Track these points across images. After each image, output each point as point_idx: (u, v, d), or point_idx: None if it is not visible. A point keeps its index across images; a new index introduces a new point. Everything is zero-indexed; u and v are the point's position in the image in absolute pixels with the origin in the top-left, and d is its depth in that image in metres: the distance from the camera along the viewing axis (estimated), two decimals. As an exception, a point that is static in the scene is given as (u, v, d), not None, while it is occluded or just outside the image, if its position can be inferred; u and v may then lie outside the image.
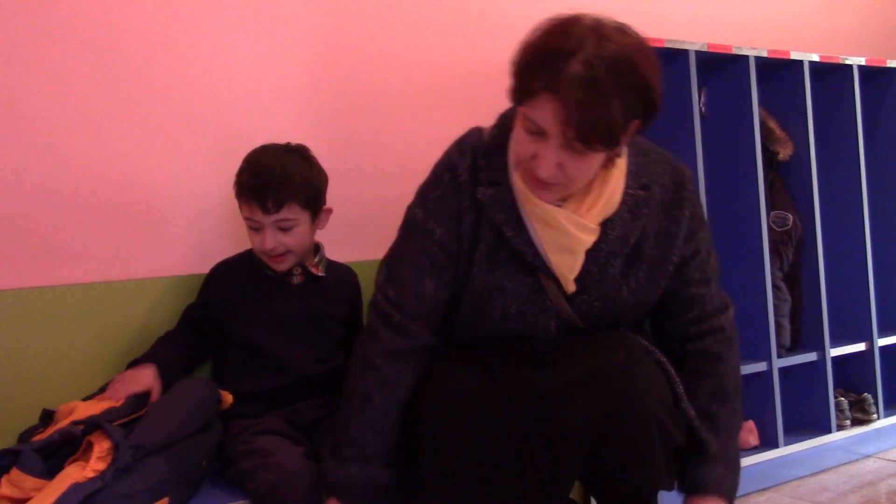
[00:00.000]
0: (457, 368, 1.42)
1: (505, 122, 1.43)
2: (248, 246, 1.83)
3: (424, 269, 1.44)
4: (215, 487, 1.55)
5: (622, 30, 1.29)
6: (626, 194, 1.42)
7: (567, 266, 1.40)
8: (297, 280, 1.82)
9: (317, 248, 1.86)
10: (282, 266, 1.77)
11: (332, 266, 1.88)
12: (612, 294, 1.44)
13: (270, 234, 1.72)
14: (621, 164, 1.41)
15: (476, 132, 1.48)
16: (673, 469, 1.40)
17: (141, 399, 1.58)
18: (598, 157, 1.31)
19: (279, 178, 1.70)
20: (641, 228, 1.43)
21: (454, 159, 1.45)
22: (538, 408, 1.34)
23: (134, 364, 1.66)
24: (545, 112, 1.25)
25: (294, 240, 1.75)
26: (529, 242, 1.40)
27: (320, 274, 1.83)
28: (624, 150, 1.41)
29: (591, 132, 1.23)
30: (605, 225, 1.41)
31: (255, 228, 1.74)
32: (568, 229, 1.37)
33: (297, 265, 1.81)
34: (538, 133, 1.28)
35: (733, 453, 1.48)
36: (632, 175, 1.43)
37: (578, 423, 1.31)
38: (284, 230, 1.73)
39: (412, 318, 1.44)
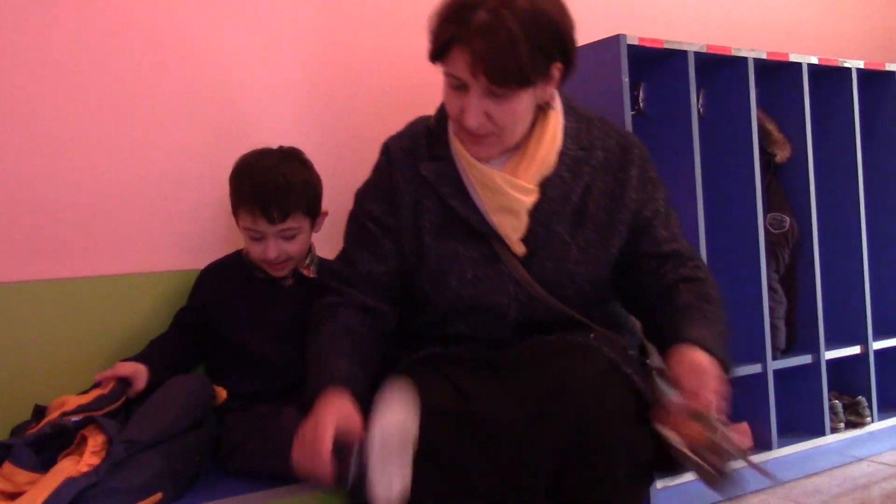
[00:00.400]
0: (429, 386, 1.39)
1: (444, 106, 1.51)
2: (242, 242, 1.82)
3: (360, 242, 1.54)
4: (209, 483, 1.55)
5: None
6: (564, 154, 1.48)
7: (510, 226, 1.46)
8: (288, 283, 1.80)
9: (309, 249, 1.84)
10: (281, 272, 1.76)
11: (323, 265, 1.86)
12: (561, 254, 1.48)
13: (273, 243, 1.70)
14: (555, 125, 1.48)
15: (421, 119, 1.59)
16: (644, 483, 1.40)
17: (124, 384, 1.58)
18: (522, 101, 1.38)
19: (283, 188, 1.68)
20: (583, 187, 1.49)
21: (389, 142, 1.58)
22: (506, 430, 1.32)
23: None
24: (459, 63, 1.34)
25: (296, 247, 1.74)
26: (475, 209, 1.47)
27: (312, 276, 1.81)
28: (558, 105, 1.49)
29: (501, 74, 1.32)
30: (544, 185, 1.47)
31: (256, 238, 1.71)
32: (505, 189, 1.44)
33: None
34: (460, 87, 1.37)
35: (719, 327, 1.43)
36: (571, 138, 1.49)
37: (543, 455, 1.29)
38: (288, 239, 1.72)
39: (347, 283, 1.52)
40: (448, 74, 1.38)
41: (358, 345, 1.45)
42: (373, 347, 1.49)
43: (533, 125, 1.47)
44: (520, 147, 1.47)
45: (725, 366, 1.36)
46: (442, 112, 1.53)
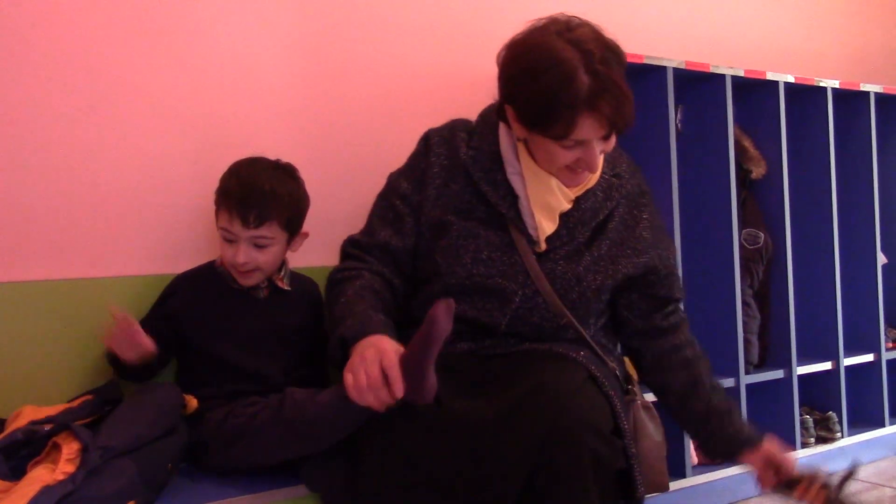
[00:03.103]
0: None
1: (488, 114, 1.64)
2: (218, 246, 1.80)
3: (385, 218, 1.64)
4: (180, 490, 1.53)
5: (572, 21, 1.48)
6: (602, 177, 1.61)
7: (546, 223, 1.56)
8: (262, 294, 1.79)
9: (282, 263, 1.82)
10: (248, 281, 1.74)
11: (296, 277, 1.85)
12: (574, 257, 1.57)
13: (245, 249, 1.68)
14: None
15: (460, 119, 1.70)
16: (613, 494, 1.41)
17: (99, 403, 1.57)
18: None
19: (267, 194, 1.68)
20: (610, 209, 1.61)
21: (429, 132, 1.69)
22: (476, 437, 1.35)
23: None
24: (583, 129, 1.42)
25: (266, 258, 1.72)
26: (504, 198, 1.57)
27: (286, 288, 1.80)
28: None
29: (625, 122, 1.45)
30: (580, 198, 1.59)
31: (229, 240, 1.70)
32: (556, 192, 1.55)
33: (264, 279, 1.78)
34: (578, 144, 1.46)
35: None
36: (607, 163, 1.62)
37: (511, 455, 1.31)
38: (259, 247, 1.70)
39: (366, 251, 1.62)
40: (568, 140, 1.45)
41: (386, 306, 1.54)
42: (393, 313, 1.54)
43: None
44: None
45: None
46: (483, 118, 1.65)
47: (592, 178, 1.59)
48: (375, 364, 1.29)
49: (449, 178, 1.61)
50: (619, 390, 1.52)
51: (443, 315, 1.25)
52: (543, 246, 1.57)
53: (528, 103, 1.45)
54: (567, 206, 1.57)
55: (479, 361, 1.54)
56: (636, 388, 1.67)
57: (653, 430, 1.66)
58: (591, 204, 1.59)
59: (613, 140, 1.51)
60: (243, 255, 1.68)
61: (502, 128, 1.60)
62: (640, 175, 1.71)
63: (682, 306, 1.74)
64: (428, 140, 1.67)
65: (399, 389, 1.28)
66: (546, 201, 1.56)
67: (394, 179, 1.68)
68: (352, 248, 1.65)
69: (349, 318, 1.45)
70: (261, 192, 1.67)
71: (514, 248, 1.57)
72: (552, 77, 1.39)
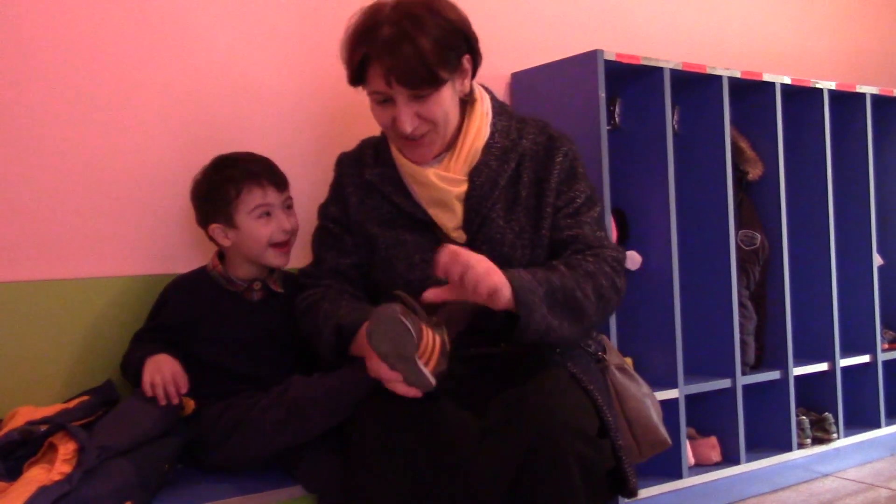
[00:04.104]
0: (389, 401, 1.40)
1: None
2: (212, 248, 1.82)
3: (326, 244, 1.68)
4: (176, 491, 1.53)
5: None
6: (491, 146, 1.59)
7: (445, 217, 1.58)
8: (256, 297, 1.79)
9: None
10: (284, 259, 1.77)
11: (287, 279, 1.84)
12: (497, 238, 1.56)
13: (283, 215, 1.75)
14: (479, 119, 1.60)
15: (371, 137, 1.75)
16: (603, 493, 1.41)
17: (96, 404, 1.57)
18: (445, 96, 1.52)
19: (270, 162, 1.78)
20: (511, 173, 1.59)
21: (341, 155, 1.75)
22: (464, 440, 1.36)
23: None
24: (376, 79, 1.48)
25: (295, 220, 1.79)
26: (417, 204, 1.60)
27: (279, 290, 1.80)
28: (485, 102, 1.62)
29: (416, 78, 1.46)
30: (472, 174, 1.58)
31: (265, 214, 1.73)
32: (435, 183, 1.56)
33: (257, 280, 1.78)
34: (385, 100, 1.51)
35: (548, 286, 1.42)
36: (500, 132, 1.61)
37: (496, 462, 1.32)
38: (289, 208, 1.78)
39: (318, 278, 1.65)
40: (371, 93, 1.53)
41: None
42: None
43: (460, 123, 1.60)
44: (450, 146, 1.59)
45: (515, 291, 1.36)
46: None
47: (472, 149, 1.57)
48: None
49: (364, 195, 1.66)
50: (597, 375, 1.52)
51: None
52: (462, 237, 1.57)
53: (341, 48, 1.54)
54: (457, 189, 1.57)
55: (464, 363, 1.52)
56: (607, 355, 1.68)
57: (635, 390, 1.67)
58: (486, 176, 1.58)
59: (436, 103, 1.50)
60: (286, 220, 1.76)
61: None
62: (553, 131, 1.65)
63: (599, 251, 1.55)
64: (340, 164, 1.73)
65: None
66: (432, 197, 1.58)
67: (322, 209, 1.73)
68: (306, 279, 1.68)
69: (342, 313, 1.49)
70: (264, 160, 1.77)
71: (441, 244, 1.50)
72: (360, 23, 1.50)
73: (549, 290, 1.40)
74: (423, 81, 1.47)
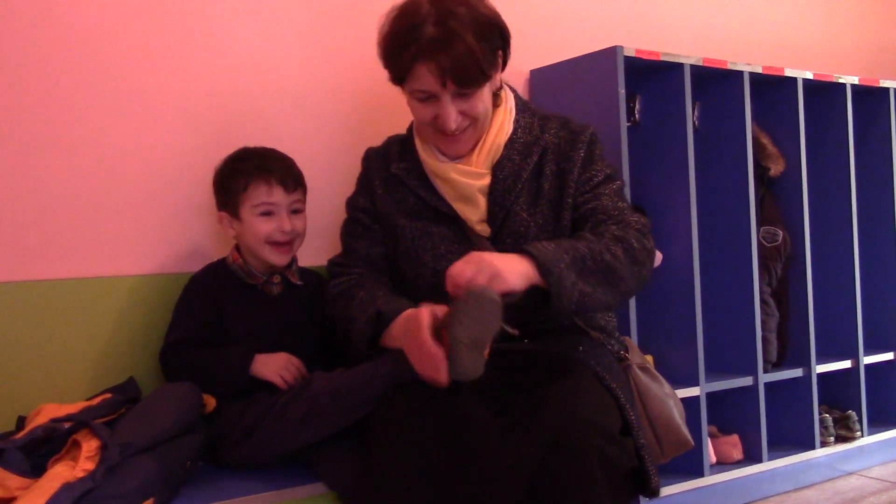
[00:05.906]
0: (410, 396, 1.41)
1: (413, 122, 1.69)
2: (230, 244, 1.82)
3: (356, 234, 1.71)
4: (198, 488, 1.54)
5: None
6: (514, 141, 1.61)
7: (469, 211, 1.61)
8: (276, 290, 1.80)
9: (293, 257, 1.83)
10: (284, 259, 1.77)
11: (304, 273, 1.86)
12: (520, 230, 1.58)
13: (287, 216, 1.75)
14: (503, 115, 1.62)
15: (397, 135, 1.78)
16: (626, 491, 1.40)
17: (118, 401, 1.58)
18: (485, 91, 1.55)
19: (289, 161, 1.79)
20: (533, 167, 1.61)
21: (369, 150, 1.78)
22: (485, 438, 1.35)
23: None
24: (425, 78, 1.48)
25: (302, 224, 1.79)
26: (441, 199, 1.63)
27: (298, 283, 1.82)
28: (509, 98, 1.65)
29: (469, 78, 1.48)
30: (495, 168, 1.60)
31: (267, 213, 1.73)
32: (457, 179, 1.59)
33: (277, 273, 1.79)
34: (429, 98, 1.52)
35: (575, 253, 1.41)
36: (522, 128, 1.64)
37: (517, 459, 1.31)
38: (296, 212, 1.78)
39: (350, 267, 1.68)
40: (414, 90, 1.53)
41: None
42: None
43: None
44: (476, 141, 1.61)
45: (540, 263, 1.36)
46: (410, 127, 1.71)
47: (495, 143, 1.59)
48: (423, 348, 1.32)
49: (390, 188, 1.69)
50: (619, 374, 1.51)
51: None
52: (486, 230, 1.59)
53: (379, 47, 1.55)
54: (479, 183, 1.59)
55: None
56: (629, 354, 1.67)
57: (657, 390, 1.66)
58: (508, 170, 1.60)
59: (478, 99, 1.53)
60: (288, 222, 1.74)
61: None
62: (575, 125, 1.66)
63: (620, 222, 1.54)
64: (367, 158, 1.77)
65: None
66: (455, 193, 1.61)
67: (351, 201, 1.76)
68: (338, 268, 1.71)
69: (380, 302, 1.51)
70: (283, 160, 1.78)
71: (467, 239, 1.60)
72: (400, 22, 1.50)
73: (575, 257, 1.40)
74: (476, 81, 1.49)
